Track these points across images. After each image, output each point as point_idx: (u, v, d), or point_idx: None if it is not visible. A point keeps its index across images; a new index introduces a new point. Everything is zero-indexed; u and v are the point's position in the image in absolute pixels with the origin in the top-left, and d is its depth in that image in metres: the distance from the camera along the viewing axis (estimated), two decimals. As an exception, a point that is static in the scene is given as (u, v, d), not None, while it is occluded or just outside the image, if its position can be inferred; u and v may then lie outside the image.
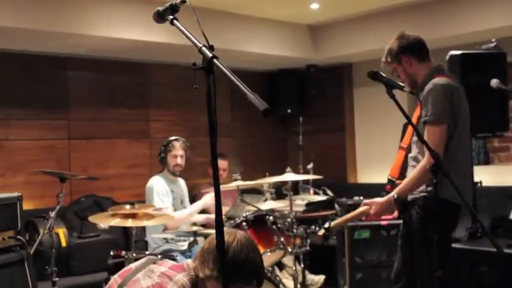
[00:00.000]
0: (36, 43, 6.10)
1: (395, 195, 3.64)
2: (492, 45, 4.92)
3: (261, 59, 7.73)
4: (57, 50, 6.45)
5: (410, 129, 3.83)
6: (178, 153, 5.38)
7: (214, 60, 1.90)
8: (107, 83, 7.05)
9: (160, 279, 2.41)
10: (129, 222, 4.18)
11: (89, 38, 5.94)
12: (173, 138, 5.45)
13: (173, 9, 2.13)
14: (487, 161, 7.02)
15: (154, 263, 2.53)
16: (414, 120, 3.69)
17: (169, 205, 5.28)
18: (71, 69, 6.77)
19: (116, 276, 2.57)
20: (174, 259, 4.42)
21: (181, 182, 5.63)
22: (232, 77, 1.86)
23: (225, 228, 2.50)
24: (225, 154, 6.59)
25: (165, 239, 5.15)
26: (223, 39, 6.69)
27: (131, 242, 4.42)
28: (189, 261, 2.55)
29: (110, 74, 7.08)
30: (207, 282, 2.49)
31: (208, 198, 5.38)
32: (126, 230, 6.11)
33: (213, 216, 5.32)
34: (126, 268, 2.63)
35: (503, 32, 6.06)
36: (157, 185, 5.33)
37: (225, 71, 1.89)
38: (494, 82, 3.89)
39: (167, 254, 4.63)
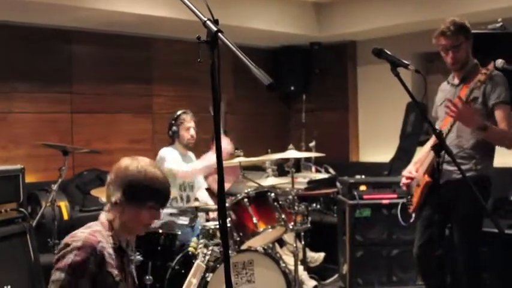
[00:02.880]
0: (40, 16, 6.08)
1: (485, 124, 3.73)
2: (498, 25, 4.87)
3: (265, 35, 7.70)
4: (61, 24, 6.43)
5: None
6: (190, 125, 5.35)
7: (219, 34, 1.89)
8: (110, 57, 7.03)
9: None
10: (131, 196, 4.17)
11: (93, 11, 5.92)
12: (182, 111, 5.39)
13: (178, -18, 2.11)
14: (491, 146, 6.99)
15: None
16: (459, 98, 3.81)
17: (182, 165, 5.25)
18: (75, 43, 6.75)
19: None
20: (175, 234, 4.45)
21: (191, 155, 5.57)
22: (237, 52, 1.85)
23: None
24: (227, 131, 6.58)
25: (167, 213, 5.16)
26: (227, 14, 6.66)
27: (133, 216, 4.42)
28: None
29: (114, 48, 7.06)
30: (120, 217, 2.56)
31: (210, 159, 5.31)
32: (128, 204, 6.12)
33: (208, 162, 5.29)
34: None
35: (509, 12, 6.01)
36: (170, 154, 5.28)
37: (230, 45, 1.88)
38: (499, 62, 3.88)
39: (168, 228, 4.64)
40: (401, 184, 4.28)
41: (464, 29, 3.95)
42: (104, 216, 2.59)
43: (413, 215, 4.29)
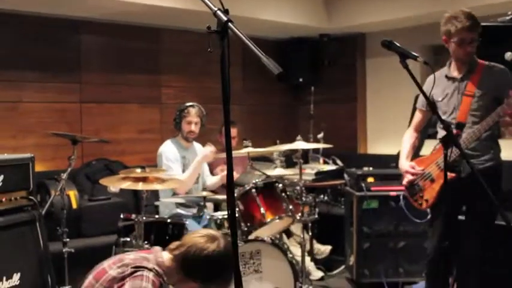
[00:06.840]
0: (50, 6, 6.09)
1: None
2: (508, 17, 4.86)
3: (274, 26, 7.69)
4: (70, 13, 6.44)
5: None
6: (193, 120, 5.32)
7: (229, 24, 1.89)
8: (119, 47, 7.05)
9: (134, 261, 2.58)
10: (140, 186, 4.19)
11: (102, 1, 5.93)
12: (189, 104, 5.37)
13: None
14: (498, 135, 6.98)
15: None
16: (467, 96, 3.86)
17: (178, 171, 5.26)
18: (84, 33, 6.77)
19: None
20: (183, 223, 4.46)
21: (197, 147, 5.56)
22: (247, 41, 1.86)
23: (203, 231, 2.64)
24: (235, 121, 6.57)
25: (176, 203, 5.18)
26: (236, 5, 6.65)
27: (141, 205, 4.45)
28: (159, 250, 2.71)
29: (123, 38, 7.06)
30: (177, 277, 2.64)
31: (206, 151, 5.30)
32: (136, 194, 6.14)
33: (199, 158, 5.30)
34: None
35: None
36: (167, 151, 5.32)
37: (240, 35, 1.88)
38: (508, 55, 3.88)
39: (177, 218, 4.66)
40: (405, 182, 4.16)
41: (479, 24, 3.90)
42: (164, 258, 2.66)
43: (429, 211, 4.25)
